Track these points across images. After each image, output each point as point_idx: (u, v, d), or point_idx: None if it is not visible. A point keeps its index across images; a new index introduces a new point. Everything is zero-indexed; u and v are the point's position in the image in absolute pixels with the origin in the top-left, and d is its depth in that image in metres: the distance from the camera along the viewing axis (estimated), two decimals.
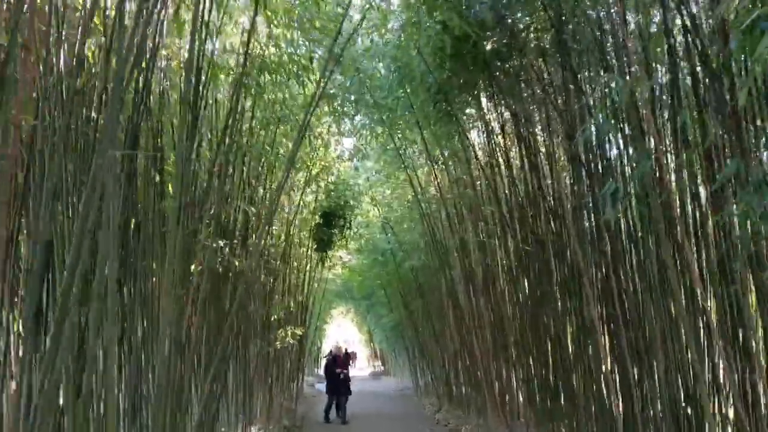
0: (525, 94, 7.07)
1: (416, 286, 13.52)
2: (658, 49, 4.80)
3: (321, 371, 18.70)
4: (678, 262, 4.49)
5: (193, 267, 5.20)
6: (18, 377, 3.51)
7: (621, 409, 5.37)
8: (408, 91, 7.79)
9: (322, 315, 20.03)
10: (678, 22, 4.54)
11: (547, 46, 6.29)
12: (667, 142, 4.99)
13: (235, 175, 6.70)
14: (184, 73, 4.81)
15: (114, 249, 3.32)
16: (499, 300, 8.70)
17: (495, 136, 8.28)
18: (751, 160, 3.85)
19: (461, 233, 9.71)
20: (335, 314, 31.02)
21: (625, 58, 4.81)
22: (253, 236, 7.54)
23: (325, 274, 15.44)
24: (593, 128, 4.78)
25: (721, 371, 4.43)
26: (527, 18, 6.42)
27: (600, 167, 5.50)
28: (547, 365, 7.09)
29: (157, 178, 5.14)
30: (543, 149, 7.25)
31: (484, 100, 8.13)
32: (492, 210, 8.43)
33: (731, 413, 4.35)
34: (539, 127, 7.33)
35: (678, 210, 4.54)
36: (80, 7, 4.32)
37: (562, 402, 6.70)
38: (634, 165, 4.80)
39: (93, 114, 4.19)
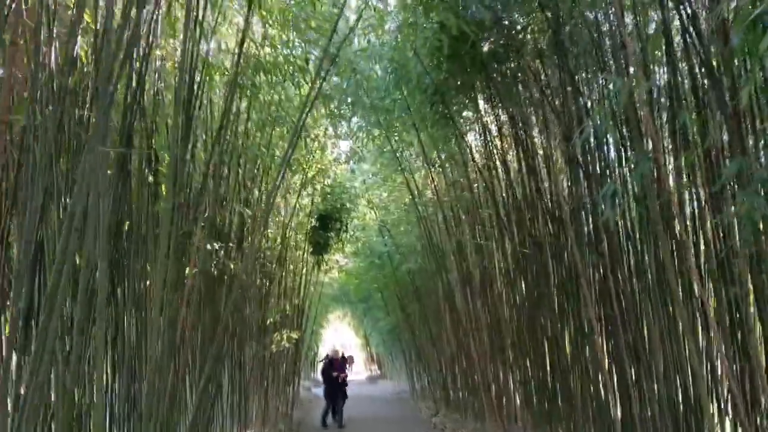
0: (522, 96, 7.05)
1: (413, 290, 13.46)
2: (657, 52, 4.78)
3: (318, 375, 18.61)
4: (676, 262, 4.46)
5: (187, 270, 5.15)
6: (7, 379, 3.45)
7: (619, 410, 5.34)
8: (405, 92, 7.75)
9: (318, 319, 19.94)
10: (677, 22, 4.51)
11: (545, 48, 6.27)
12: (666, 144, 4.96)
13: (230, 176, 6.66)
14: (178, 74, 4.76)
15: (103, 246, 3.27)
16: (497, 302, 8.66)
17: (492, 139, 8.26)
18: (752, 160, 3.82)
19: (458, 236, 9.67)
20: (332, 318, 30.95)
21: (622, 59, 4.78)
22: (249, 239, 7.48)
23: (321, 277, 15.37)
24: (591, 130, 4.75)
25: (720, 372, 4.39)
26: (524, 19, 6.40)
27: (598, 169, 5.47)
28: (544, 367, 7.06)
29: (151, 179, 5.09)
30: (540, 151, 7.22)
31: (481, 102, 8.11)
32: (489, 212, 8.40)
33: (731, 413, 4.32)
34: (537, 129, 7.30)
35: (677, 210, 4.51)
36: (72, 5, 4.26)
37: (560, 404, 6.66)
38: (632, 166, 4.77)
39: (85, 113, 4.14)
